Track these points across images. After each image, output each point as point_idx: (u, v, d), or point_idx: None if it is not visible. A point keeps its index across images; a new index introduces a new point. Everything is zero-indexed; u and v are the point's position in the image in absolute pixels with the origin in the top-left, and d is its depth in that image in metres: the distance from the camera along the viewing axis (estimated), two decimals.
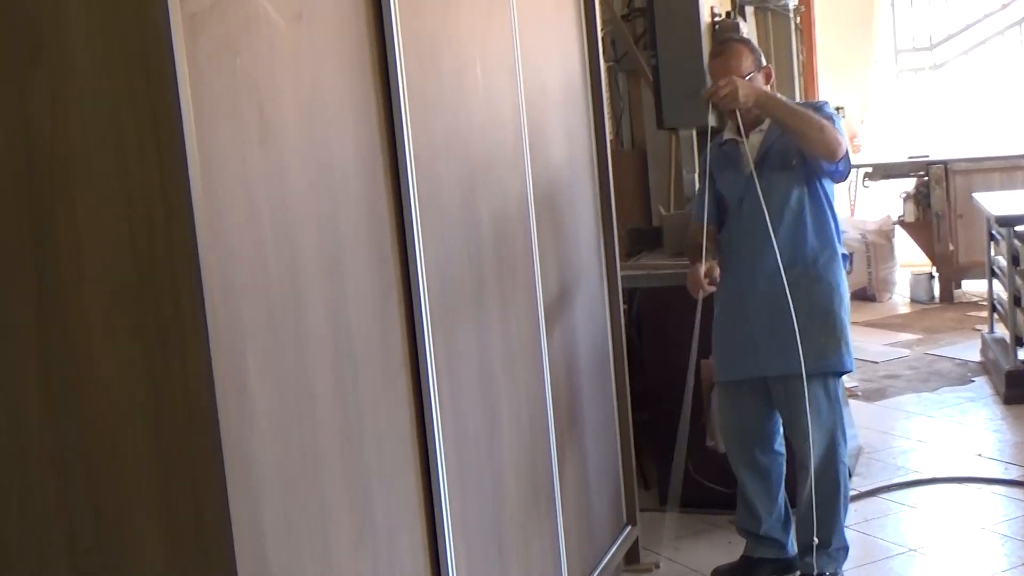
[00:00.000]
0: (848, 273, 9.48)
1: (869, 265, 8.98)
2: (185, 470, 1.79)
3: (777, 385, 3.72)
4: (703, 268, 3.64)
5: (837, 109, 10.79)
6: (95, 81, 1.75)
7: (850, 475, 4.78)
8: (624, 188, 5.88)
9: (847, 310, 3.74)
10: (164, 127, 1.72)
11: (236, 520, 1.78)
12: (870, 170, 9.33)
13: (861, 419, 5.52)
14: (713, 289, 3.68)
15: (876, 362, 6.88)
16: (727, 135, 3.79)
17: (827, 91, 10.26)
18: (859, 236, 9.00)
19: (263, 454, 1.91)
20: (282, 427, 1.98)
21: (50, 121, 1.77)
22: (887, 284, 9.02)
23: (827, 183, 3.70)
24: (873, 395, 6.18)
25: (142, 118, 1.73)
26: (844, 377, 5.51)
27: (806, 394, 3.61)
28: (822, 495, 3.71)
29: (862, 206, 9.81)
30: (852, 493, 4.58)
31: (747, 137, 3.69)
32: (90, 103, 1.76)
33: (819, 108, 3.63)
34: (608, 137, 5.53)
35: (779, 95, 3.65)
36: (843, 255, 3.78)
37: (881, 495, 4.65)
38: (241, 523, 1.80)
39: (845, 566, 3.85)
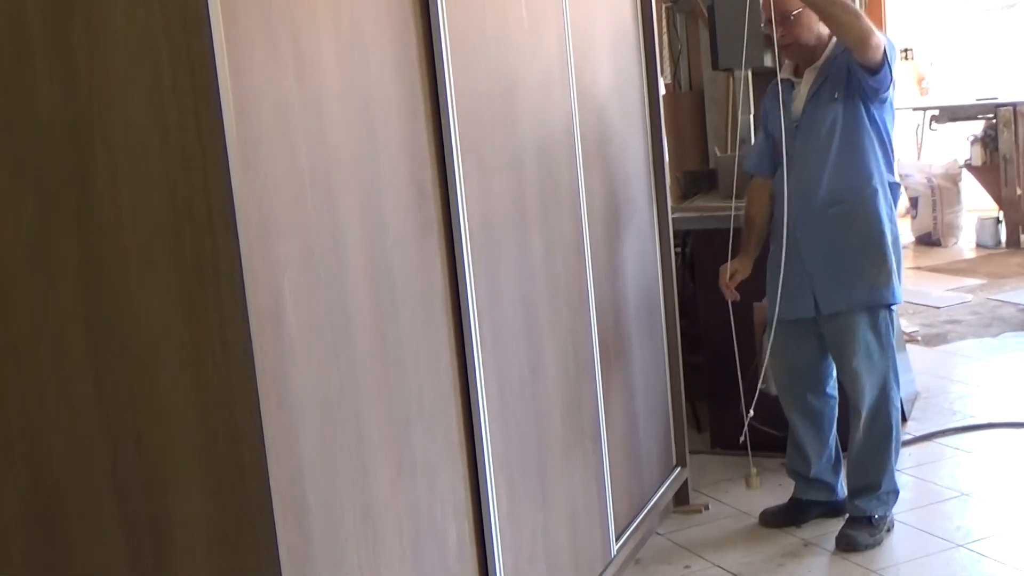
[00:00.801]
0: (913, 218, 9.34)
1: (935, 209, 8.85)
2: (222, 401, 1.82)
3: (829, 324, 3.70)
4: (729, 269, 3.77)
5: (905, 51, 10.58)
6: (130, 20, 1.76)
7: (905, 420, 4.75)
8: (683, 130, 5.84)
9: (896, 242, 3.68)
10: (198, 65, 1.73)
11: (271, 451, 1.81)
12: (937, 112, 9.15)
13: (920, 364, 5.47)
14: (736, 297, 3.78)
15: (938, 307, 6.80)
16: (783, 75, 3.73)
17: (895, 32, 10.06)
18: (925, 180, 8.87)
19: (300, 387, 1.94)
20: (320, 362, 2.00)
21: (88, 60, 1.79)
22: (953, 229, 8.89)
23: (876, 111, 3.62)
24: (933, 340, 6.11)
25: (177, 57, 1.75)
26: (904, 323, 5.49)
27: (858, 329, 3.62)
28: (874, 437, 3.70)
29: (929, 149, 9.64)
30: (907, 438, 4.56)
31: (802, 76, 3.67)
32: (126, 43, 1.77)
33: None
34: (666, 79, 5.49)
35: None
36: (893, 184, 3.70)
37: (936, 439, 4.60)
38: (277, 454, 1.83)
39: (897, 509, 3.83)
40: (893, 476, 3.76)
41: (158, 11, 1.74)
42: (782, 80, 3.69)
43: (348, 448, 2.09)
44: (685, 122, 5.83)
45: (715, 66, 4.77)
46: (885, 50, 3.45)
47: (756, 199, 3.85)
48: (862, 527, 3.70)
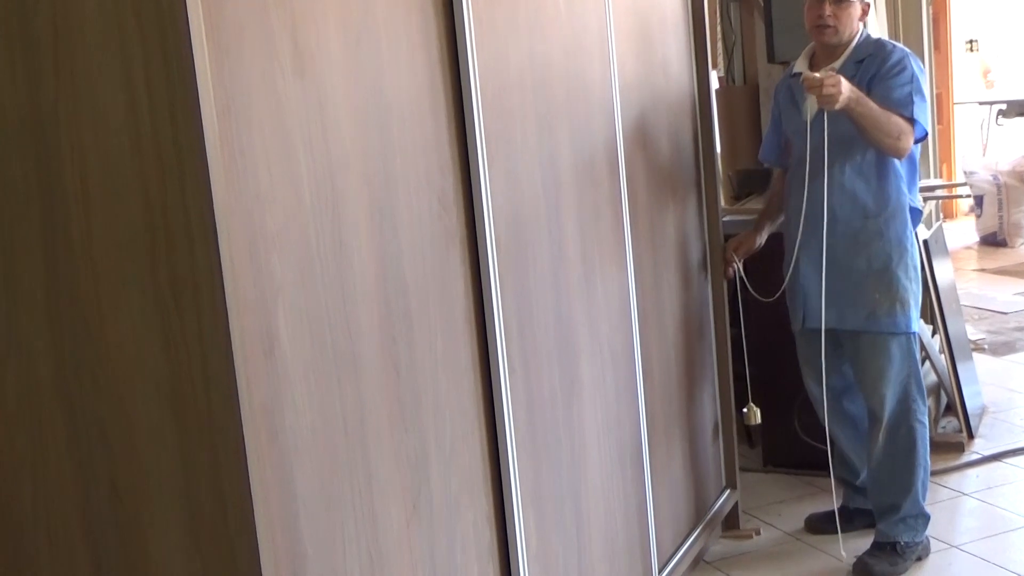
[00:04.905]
0: (977, 217, 9.00)
1: (1000, 208, 8.53)
2: (204, 442, 1.60)
3: (845, 338, 3.54)
4: (734, 242, 3.76)
5: (970, 42, 10.21)
6: (98, 7, 1.54)
7: (972, 436, 4.46)
8: (736, 126, 5.56)
9: (911, 271, 3.45)
10: (173, 58, 1.52)
11: (260, 494, 1.60)
12: (1004, 107, 8.79)
13: (986, 375, 5.18)
14: (731, 270, 3.75)
15: (1005, 313, 6.48)
16: (797, 67, 3.55)
17: (960, 24, 9.70)
18: (991, 177, 8.55)
19: (296, 422, 1.72)
20: (320, 392, 1.78)
21: (53, 55, 1.58)
22: (1020, 228, 8.55)
23: None
24: (1001, 349, 5.80)
25: (151, 48, 1.53)
26: (969, 330, 5.19)
27: (871, 351, 3.46)
28: (894, 457, 3.50)
29: (995, 146, 9.28)
30: (974, 457, 4.34)
31: (817, 72, 3.41)
32: (94, 29, 1.55)
33: (902, 82, 3.36)
34: (718, 72, 5.22)
35: (867, 99, 3.30)
36: (915, 209, 3.50)
37: (1005, 460, 4.32)
38: (267, 498, 1.62)
39: (962, 538, 3.57)
40: (919, 499, 3.52)
41: None
42: (796, 73, 3.52)
43: (354, 488, 1.86)
44: (739, 118, 5.55)
45: (771, 59, 4.53)
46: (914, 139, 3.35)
47: (776, 186, 3.78)
48: (883, 554, 3.49)
